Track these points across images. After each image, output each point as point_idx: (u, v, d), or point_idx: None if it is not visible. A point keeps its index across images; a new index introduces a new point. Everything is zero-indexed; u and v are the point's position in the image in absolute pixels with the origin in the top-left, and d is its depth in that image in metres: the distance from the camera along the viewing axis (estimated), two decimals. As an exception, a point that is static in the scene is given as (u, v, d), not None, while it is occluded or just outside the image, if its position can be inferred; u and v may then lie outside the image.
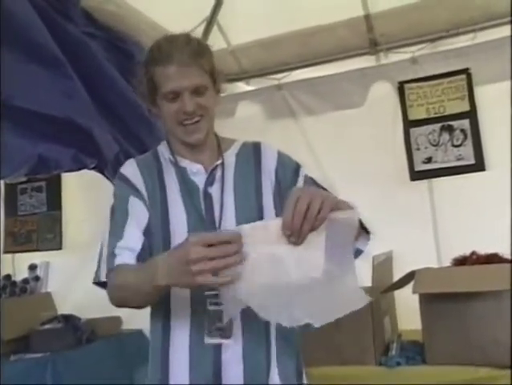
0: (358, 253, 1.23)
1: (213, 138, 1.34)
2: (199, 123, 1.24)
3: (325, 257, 1.00)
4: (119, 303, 1.20)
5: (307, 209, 0.98)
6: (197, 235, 0.97)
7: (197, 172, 1.29)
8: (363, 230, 1.24)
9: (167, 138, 1.35)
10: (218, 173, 1.29)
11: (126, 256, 1.19)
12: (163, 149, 1.34)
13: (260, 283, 0.97)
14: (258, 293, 0.98)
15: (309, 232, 1.00)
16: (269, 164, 1.33)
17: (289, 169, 1.33)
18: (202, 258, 0.93)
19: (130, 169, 1.29)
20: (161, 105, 1.25)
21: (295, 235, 0.99)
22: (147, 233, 1.23)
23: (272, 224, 1.02)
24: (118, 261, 1.18)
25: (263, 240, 0.99)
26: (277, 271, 0.99)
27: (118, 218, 1.24)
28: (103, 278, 1.21)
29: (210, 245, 0.94)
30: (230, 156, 1.33)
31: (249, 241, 0.97)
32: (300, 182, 1.31)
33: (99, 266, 1.23)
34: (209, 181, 1.28)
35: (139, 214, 1.23)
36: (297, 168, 1.34)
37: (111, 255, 1.20)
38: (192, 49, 1.22)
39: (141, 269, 1.14)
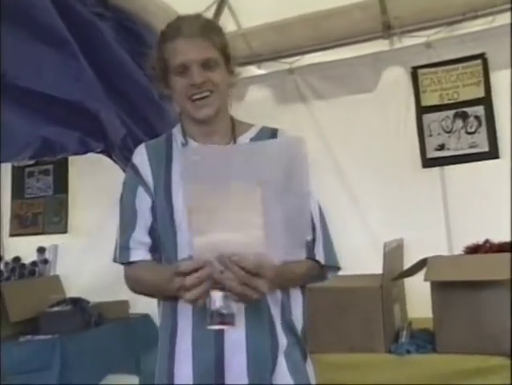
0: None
1: (227, 120, 1.32)
2: (208, 99, 1.23)
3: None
4: (138, 293, 1.30)
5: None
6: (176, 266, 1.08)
7: None
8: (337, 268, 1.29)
9: (180, 120, 1.34)
10: None
11: (141, 252, 1.24)
12: (176, 132, 1.34)
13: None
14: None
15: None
16: None
17: None
18: (186, 287, 1.04)
19: (139, 157, 1.31)
20: (172, 83, 1.25)
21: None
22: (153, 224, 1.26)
23: None
24: (133, 255, 1.24)
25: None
26: None
27: (128, 210, 1.27)
28: (120, 260, 1.27)
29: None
30: (244, 140, 1.30)
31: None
32: None
33: (116, 248, 1.28)
34: None
35: (144, 208, 1.26)
36: None
37: (126, 248, 1.24)
38: (200, 23, 1.24)
39: (156, 274, 1.22)
